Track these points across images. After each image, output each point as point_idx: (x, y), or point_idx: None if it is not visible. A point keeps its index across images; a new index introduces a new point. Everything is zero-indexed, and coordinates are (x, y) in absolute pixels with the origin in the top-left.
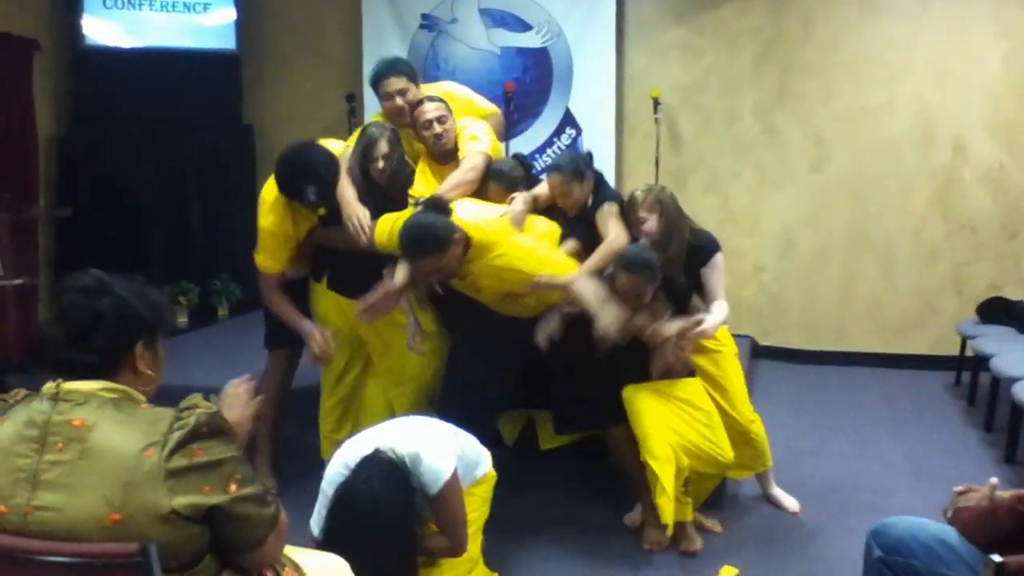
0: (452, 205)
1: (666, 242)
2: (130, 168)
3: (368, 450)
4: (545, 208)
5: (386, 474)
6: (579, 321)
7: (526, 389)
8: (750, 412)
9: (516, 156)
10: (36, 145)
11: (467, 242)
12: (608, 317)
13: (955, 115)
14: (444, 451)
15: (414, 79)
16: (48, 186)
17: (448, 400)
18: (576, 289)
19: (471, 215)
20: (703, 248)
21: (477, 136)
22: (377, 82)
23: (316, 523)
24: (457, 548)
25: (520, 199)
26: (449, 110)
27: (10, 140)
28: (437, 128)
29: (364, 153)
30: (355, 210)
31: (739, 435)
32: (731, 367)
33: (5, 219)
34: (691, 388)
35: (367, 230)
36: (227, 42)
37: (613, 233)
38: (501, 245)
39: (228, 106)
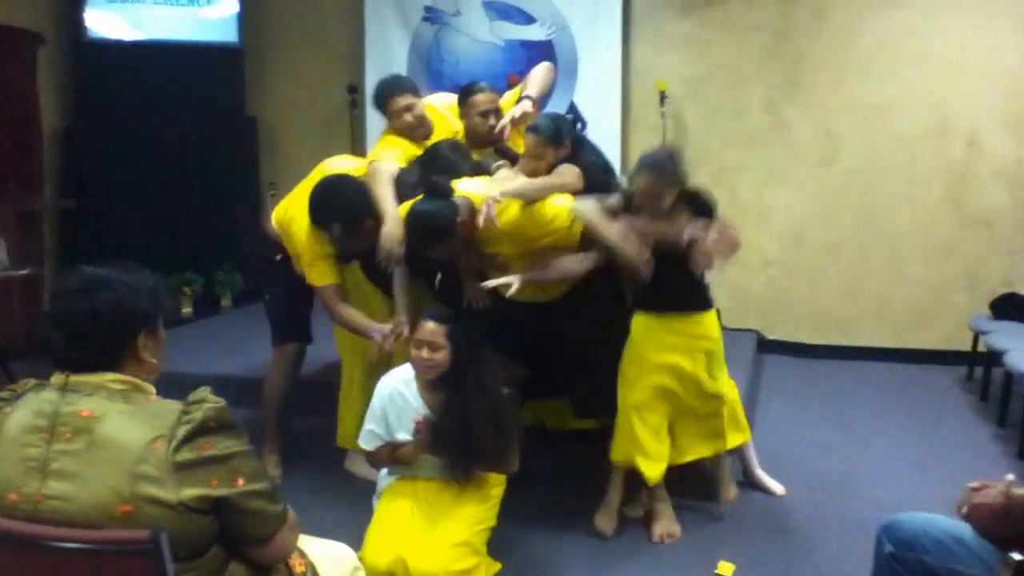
0: (453, 184)
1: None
2: (134, 160)
3: None
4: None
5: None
6: (592, 307)
7: (541, 378)
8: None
9: (499, 149)
10: (41, 137)
11: (472, 212)
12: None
13: (970, 108)
14: None
15: (417, 93)
16: (53, 177)
17: None
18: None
19: (472, 187)
20: (702, 201)
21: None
22: (384, 101)
23: (366, 438)
24: (507, 467)
25: (504, 168)
26: (497, 101)
27: (15, 132)
28: (493, 120)
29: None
30: (394, 232)
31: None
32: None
33: (10, 210)
34: (703, 320)
35: (395, 256)
36: (229, 35)
37: (560, 173)
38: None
39: (231, 98)
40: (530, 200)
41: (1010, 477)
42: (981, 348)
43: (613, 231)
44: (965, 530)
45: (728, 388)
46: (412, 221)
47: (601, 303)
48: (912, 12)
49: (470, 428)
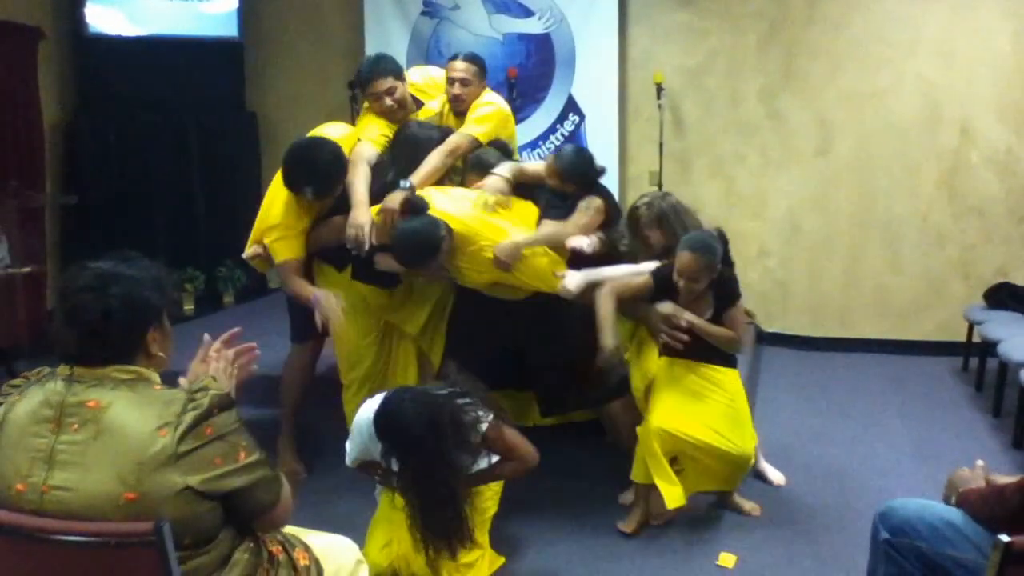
0: (427, 197)
1: (672, 251)
2: (135, 155)
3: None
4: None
5: (419, 395)
6: (561, 309)
7: (512, 370)
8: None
9: (496, 145)
10: (42, 133)
11: (451, 232)
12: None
13: (962, 97)
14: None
15: (400, 76)
16: (54, 173)
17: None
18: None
19: (450, 207)
20: (727, 288)
21: (481, 118)
22: (365, 83)
23: (348, 453)
24: (527, 465)
25: (499, 175)
26: (475, 76)
27: (16, 128)
28: (458, 89)
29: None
30: (361, 221)
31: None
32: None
33: (12, 207)
34: (723, 371)
35: (365, 242)
36: (229, 29)
37: (572, 220)
38: (482, 237)
39: (231, 93)
40: (552, 245)
41: (980, 463)
42: (975, 338)
43: (607, 327)
44: (958, 516)
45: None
46: (399, 239)
47: (562, 308)
48: (900, 0)
49: (453, 512)
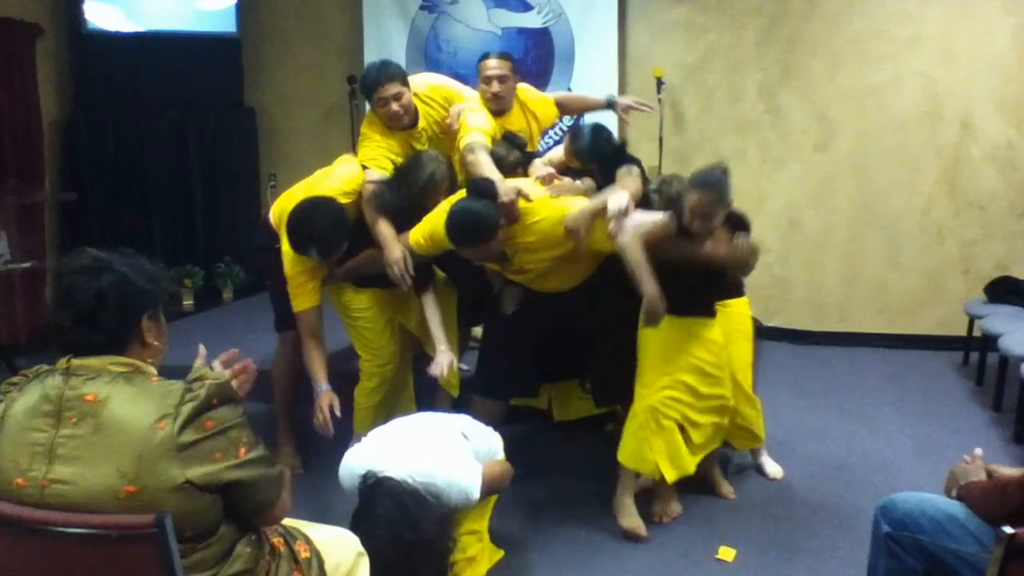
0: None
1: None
2: (133, 152)
3: (381, 472)
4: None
5: (400, 500)
6: (615, 294)
7: (561, 361)
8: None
9: (506, 137)
10: (40, 130)
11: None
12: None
13: (963, 92)
14: (463, 468)
15: (405, 81)
16: (53, 170)
17: (485, 376)
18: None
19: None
20: (738, 219)
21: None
22: (371, 89)
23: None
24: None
25: (542, 166)
26: (511, 71)
27: (15, 125)
28: (496, 87)
29: (427, 187)
30: (396, 256)
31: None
32: (745, 336)
33: (11, 203)
34: (709, 328)
35: (407, 275)
36: (227, 25)
37: (620, 184)
38: (540, 211)
39: (230, 89)
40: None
41: (977, 451)
42: (976, 333)
43: (644, 273)
44: (960, 509)
45: (752, 403)
46: (456, 219)
47: (615, 293)
48: None
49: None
